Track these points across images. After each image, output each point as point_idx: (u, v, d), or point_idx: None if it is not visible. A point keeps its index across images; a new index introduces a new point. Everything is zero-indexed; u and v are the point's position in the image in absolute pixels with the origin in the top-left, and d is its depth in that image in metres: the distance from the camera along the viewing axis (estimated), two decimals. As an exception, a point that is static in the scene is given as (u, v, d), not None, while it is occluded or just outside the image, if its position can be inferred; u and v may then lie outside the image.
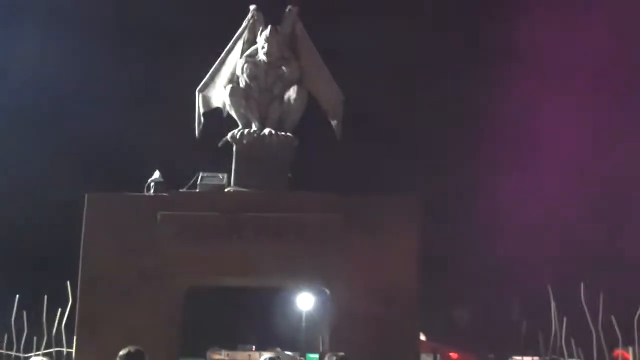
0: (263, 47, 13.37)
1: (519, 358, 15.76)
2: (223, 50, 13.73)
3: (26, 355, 14.89)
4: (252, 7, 13.48)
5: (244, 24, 13.56)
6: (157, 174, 13.19)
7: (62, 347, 14.46)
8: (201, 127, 13.70)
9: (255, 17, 13.43)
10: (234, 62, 13.63)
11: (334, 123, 13.58)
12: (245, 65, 13.44)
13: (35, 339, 14.80)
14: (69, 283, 13.74)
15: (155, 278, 12.44)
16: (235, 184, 13.07)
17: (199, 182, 12.95)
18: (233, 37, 13.70)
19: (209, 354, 30.10)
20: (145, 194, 12.98)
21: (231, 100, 13.40)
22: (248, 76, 13.41)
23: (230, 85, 13.45)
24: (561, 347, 13.43)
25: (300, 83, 13.38)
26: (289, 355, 29.87)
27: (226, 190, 13.02)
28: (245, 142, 13.19)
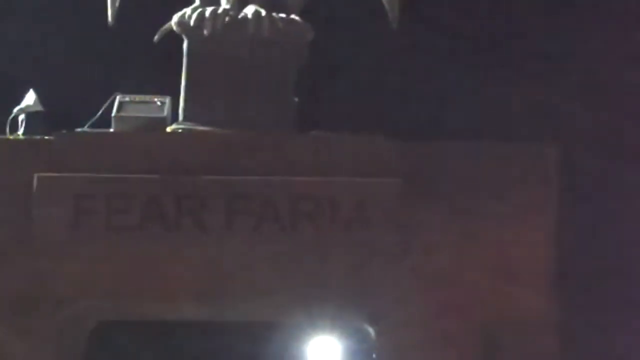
0: None
1: None
2: None
3: None
4: None
5: None
6: (30, 98, 12.85)
7: None
8: (118, 2, 13.26)
9: None
10: None
11: None
12: None
13: None
14: None
15: (30, 307, 12.06)
16: (187, 117, 12.77)
17: (114, 114, 12.59)
18: None
19: None
20: (8, 136, 12.63)
21: None
22: None
23: None
24: None
25: None
26: None
27: (169, 129, 12.72)
28: (207, 32, 12.77)
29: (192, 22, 12.73)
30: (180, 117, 12.77)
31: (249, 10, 12.75)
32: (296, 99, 12.98)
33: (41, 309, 12.06)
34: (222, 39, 12.74)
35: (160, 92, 12.80)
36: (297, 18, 12.91)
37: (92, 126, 12.58)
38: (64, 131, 12.38)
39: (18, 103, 12.80)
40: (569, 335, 12.61)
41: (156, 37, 13.15)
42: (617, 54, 18.36)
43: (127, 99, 12.61)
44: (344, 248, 12.09)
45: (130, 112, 12.55)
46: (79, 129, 12.48)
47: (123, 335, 16.14)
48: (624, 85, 18.27)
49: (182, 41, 12.92)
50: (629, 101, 18.37)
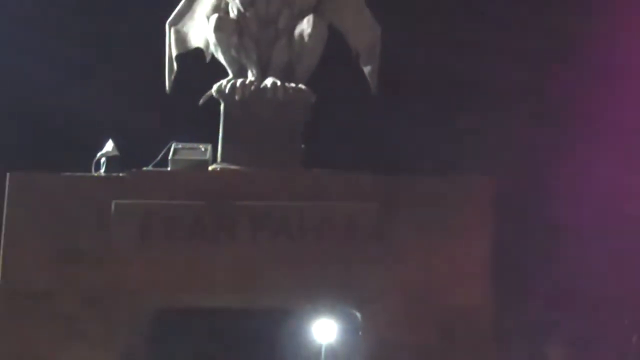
0: (263, -41, 13.39)
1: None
2: (204, -36, 13.80)
3: None
4: None
5: None
6: (109, 146, 13.20)
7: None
8: (173, 76, 13.75)
9: None
10: (221, -19, 13.66)
11: (367, 69, 13.62)
12: (238, -14, 13.42)
13: None
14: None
15: (107, 297, 12.53)
16: (223, 159, 13.15)
17: (170, 157, 12.96)
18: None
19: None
20: (93, 173, 13.02)
21: (217, 37, 13.41)
22: (241, 2, 13.41)
23: (216, 15, 13.44)
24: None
25: (317, 11, 13.46)
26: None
27: (210, 168, 13.08)
28: (237, 97, 13.22)
29: (227, 90, 13.17)
30: (219, 159, 13.10)
31: (268, 81, 13.14)
32: (303, 145, 13.29)
33: (116, 300, 12.46)
34: (248, 102, 13.12)
35: (204, 141, 13.12)
36: (303, 87, 13.25)
37: (154, 166, 12.94)
38: (134, 170, 12.82)
39: (100, 149, 13.10)
40: (501, 320, 12.85)
41: (201, 101, 13.45)
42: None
43: (180, 146, 12.97)
44: (339, 254, 12.46)
45: (182, 155, 12.90)
46: (145, 168, 12.89)
47: (178, 320, 16.40)
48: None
49: (219, 104, 13.30)
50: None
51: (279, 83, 13.16)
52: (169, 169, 12.92)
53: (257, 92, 13.16)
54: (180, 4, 13.71)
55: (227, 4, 13.46)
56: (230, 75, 13.41)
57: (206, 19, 13.49)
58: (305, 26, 13.23)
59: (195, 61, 13.77)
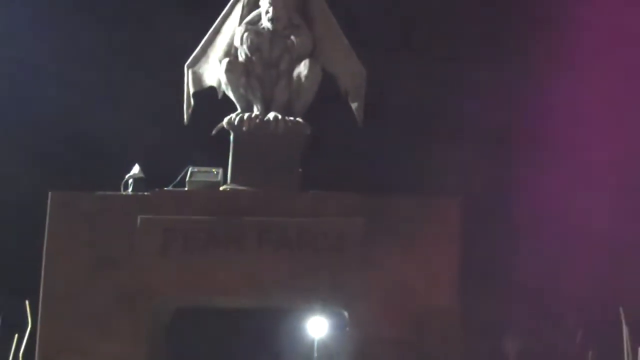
0: (267, 12, 13.55)
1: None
2: (217, 16, 13.95)
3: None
4: (253, -38, 13.46)
5: (243, -17, 13.54)
6: (136, 169, 13.37)
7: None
8: (190, 110, 13.91)
9: (257, -26, 13.39)
10: (231, 31, 13.79)
11: (354, 106, 13.79)
12: (245, 34, 13.58)
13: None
14: (27, 302, 13.89)
15: (134, 298, 12.67)
16: (232, 181, 13.27)
17: (187, 179, 13.12)
18: (229, -1, 13.70)
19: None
20: (122, 192, 13.17)
21: (227, 78, 13.58)
22: (248, 48, 13.56)
23: (227, 59, 13.63)
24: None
25: (312, 56, 13.58)
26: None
27: (221, 188, 13.21)
28: (244, 128, 13.37)
29: (235, 122, 13.35)
30: (229, 181, 13.26)
31: (271, 115, 13.34)
32: (300, 170, 13.47)
33: (141, 300, 12.68)
34: (254, 132, 13.30)
35: (216, 165, 13.32)
36: (300, 120, 13.43)
37: (174, 187, 13.14)
38: (157, 190, 12.99)
39: (128, 172, 13.35)
40: (468, 318, 12.92)
41: (214, 132, 13.58)
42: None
43: (195, 169, 13.15)
44: (330, 262, 12.66)
45: (198, 177, 13.09)
46: (166, 188, 13.07)
47: (194, 318, 16.04)
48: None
49: (229, 134, 13.47)
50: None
51: (280, 117, 13.33)
52: (186, 189, 13.08)
53: (262, 125, 13.32)
54: (197, 49, 13.86)
55: (236, 50, 13.63)
56: (239, 110, 13.58)
57: (219, 62, 13.67)
58: (302, 69, 13.42)
59: (209, 98, 13.89)
